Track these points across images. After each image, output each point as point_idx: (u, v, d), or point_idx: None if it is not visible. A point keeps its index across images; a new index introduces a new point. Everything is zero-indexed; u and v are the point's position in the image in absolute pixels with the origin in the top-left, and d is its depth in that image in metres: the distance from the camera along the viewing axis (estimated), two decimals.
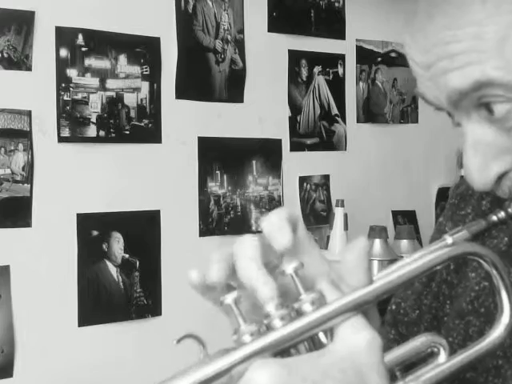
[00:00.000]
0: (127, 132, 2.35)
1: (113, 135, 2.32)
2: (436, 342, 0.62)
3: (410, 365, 0.62)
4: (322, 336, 0.56)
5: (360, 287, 0.57)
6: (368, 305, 0.57)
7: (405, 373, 0.61)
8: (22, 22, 2.13)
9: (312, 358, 0.54)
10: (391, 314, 0.88)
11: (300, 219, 0.60)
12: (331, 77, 2.90)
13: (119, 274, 2.32)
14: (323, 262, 0.62)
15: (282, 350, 0.55)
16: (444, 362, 0.60)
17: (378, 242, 2.60)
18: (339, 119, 2.92)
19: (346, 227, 2.65)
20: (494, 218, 0.64)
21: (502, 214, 0.63)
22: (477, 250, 0.61)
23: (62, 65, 2.21)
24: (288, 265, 0.57)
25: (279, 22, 2.72)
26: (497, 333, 0.61)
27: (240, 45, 2.61)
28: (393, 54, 3.08)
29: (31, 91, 2.16)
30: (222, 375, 0.53)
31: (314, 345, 0.57)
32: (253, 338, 0.54)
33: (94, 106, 2.28)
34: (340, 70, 2.93)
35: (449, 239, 0.61)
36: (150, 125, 2.39)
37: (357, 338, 0.55)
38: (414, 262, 0.60)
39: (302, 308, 0.56)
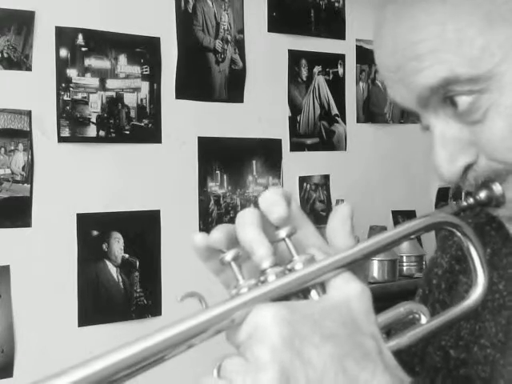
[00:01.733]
0: (127, 132, 2.35)
1: (113, 135, 2.32)
2: (417, 309, 0.66)
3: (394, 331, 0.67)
4: (314, 294, 0.60)
5: (345, 249, 0.62)
6: (355, 263, 0.61)
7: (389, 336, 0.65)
8: (22, 22, 2.13)
9: (311, 302, 0.59)
10: None
11: (293, 196, 0.64)
12: (331, 77, 2.90)
13: (119, 274, 2.32)
14: (317, 236, 0.65)
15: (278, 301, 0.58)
16: (427, 322, 0.66)
17: None
18: (339, 119, 2.92)
19: None
20: (464, 203, 0.70)
21: (470, 200, 0.70)
22: (450, 220, 0.67)
23: (62, 65, 2.21)
24: (281, 230, 0.61)
25: (279, 22, 2.72)
26: (477, 292, 0.67)
27: (240, 45, 2.61)
28: None
29: (31, 91, 2.16)
30: (222, 319, 0.56)
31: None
32: (250, 290, 0.58)
33: (94, 106, 2.28)
34: (340, 70, 2.93)
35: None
36: (150, 125, 2.39)
37: (349, 288, 0.59)
38: (398, 227, 0.66)
39: (295, 267, 0.60)
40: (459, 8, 0.66)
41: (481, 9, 0.65)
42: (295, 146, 2.76)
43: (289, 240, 0.60)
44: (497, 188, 0.69)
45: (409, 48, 0.67)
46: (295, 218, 0.63)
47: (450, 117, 0.69)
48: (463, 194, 0.79)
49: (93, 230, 2.27)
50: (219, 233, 0.61)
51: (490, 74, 0.65)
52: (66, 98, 2.22)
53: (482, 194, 0.70)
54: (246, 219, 0.61)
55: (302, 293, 0.59)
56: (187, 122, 2.47)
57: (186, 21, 2.48)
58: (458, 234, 0.67)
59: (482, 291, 0.67)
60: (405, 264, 2.79)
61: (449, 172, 0.70)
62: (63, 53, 2.22)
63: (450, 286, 0.85)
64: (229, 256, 0.60)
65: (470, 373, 0.76)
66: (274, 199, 0.61)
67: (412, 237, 0.66)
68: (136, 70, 2.37)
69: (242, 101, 2.62)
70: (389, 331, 0.66)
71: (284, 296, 0.58)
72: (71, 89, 2.23)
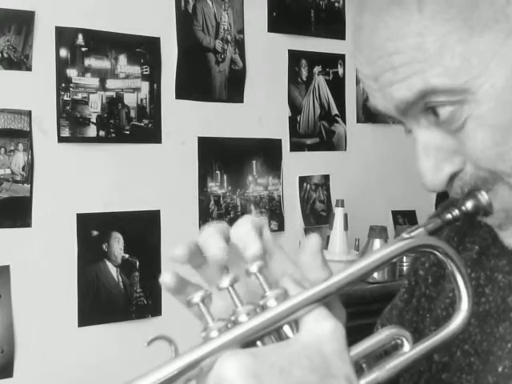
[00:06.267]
0: (127, 132, 2.35)
1: (113, 135, 2.32)
2: (399, 335, 0.63)
3: (376, 357, 0.64)
4: (287, 330, 0.58)
5: (319, 282, 0.59)
6: (329, 297, 0.59)
7: (371, 365, 0.62)
8: (22, 22, 2.13)
9: (279, 347, 0.56)
10: None
11: (265, 223, 0.63)
12: (331, 77, 2.90)
13: (119, 274, 2.31)
14: (288, 263, 0.63)
15: (249, 344, 0.57)
16: (409, 351, 0.63)
17: (377, 242, 2.60)
18: (339, 119, 2.92)
19: (346, 227, 2.64)
20: (449, 215, 0.67)
21: (456, 212, 0.67)
22: (432, 243, 0.64)
23: (62, 65, 2.21)
24: (252, 264, 0.59)
25: (279, 22, 2.72)
26: (459, 319, 0.63)
27: (240, 45, 2.61)
28: None
29: (31, 91, 2.16)
30: (190, 369, 0.55)
31: (281, 339, 0.58)
32: (220, 333, 0.57)
33: (94, 106, 2.28)
34: (340, 70, 2.93)
35: (405, 236, 0.64)
36: (149, 125, 2.39)
37: (321, 328, 0.57)
38: (373, 254, 0.62)
39: (267, 304, 0.58)
40: (437, 16, 0.62)
41: (461, 15, 0.62)
42: (295, 146, 2.76)
43: (260, 274, 0.59)
44: (483, 197, 0.66)
45: (385, 59, 0.64)
46: (268, 246, 0.62)
47: (433, 125, 0.66)
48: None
49: (93, 230, 2.27)
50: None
51: (466, 86, 0.62)
52: (66, 97, 2.22)
53: (469, 205, 0.67)
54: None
55: (275, 330, 0.58)
56: (187, 121, 2.47)
57: (185, 21, 2.48)
58: (440, 256, 0.64)
59: (465, 317, 0.63)
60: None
61: (433, 181, 0.67)
62: (63, 53, 2.22)
63: (436, 279, 0.83)
64: (196, 298, 0.59)
65: (453, 379, 0.74)
66: (248, 233, 0.61)
67: (394, 260, 0.63)
68: (136, 70, 2.37)
69: (242, 101, 2.61)
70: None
71: (256, 338, 0.57)
72: (71, 89, 2.23)
